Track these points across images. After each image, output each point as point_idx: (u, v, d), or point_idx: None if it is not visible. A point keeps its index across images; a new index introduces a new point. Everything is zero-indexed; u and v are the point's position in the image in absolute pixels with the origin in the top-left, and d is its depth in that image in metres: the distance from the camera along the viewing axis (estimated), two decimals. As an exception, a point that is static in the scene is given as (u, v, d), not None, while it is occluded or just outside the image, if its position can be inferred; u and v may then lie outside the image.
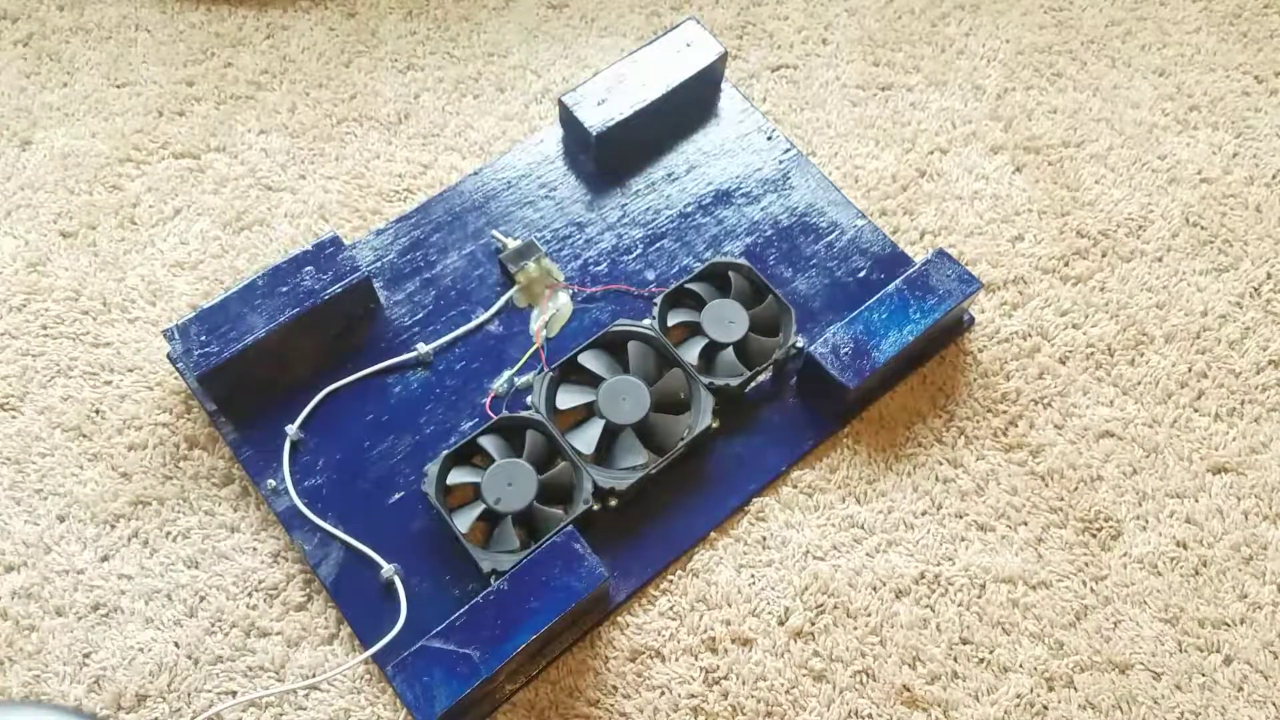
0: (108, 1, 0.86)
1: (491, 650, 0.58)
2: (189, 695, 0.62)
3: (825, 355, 0.67)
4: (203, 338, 0.65)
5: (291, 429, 0.67)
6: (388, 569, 0.64)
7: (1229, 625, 0.65)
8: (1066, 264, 0.77)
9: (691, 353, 0.69)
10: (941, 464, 0.70)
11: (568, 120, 0.76)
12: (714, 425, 0.67)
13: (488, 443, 0.65)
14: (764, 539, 0.67)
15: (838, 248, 0.76)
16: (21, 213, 0.77)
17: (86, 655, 0.63)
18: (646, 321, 0.69)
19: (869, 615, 0.65)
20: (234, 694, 0.62)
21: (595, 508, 0.64)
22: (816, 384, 0.69)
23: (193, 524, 0.66)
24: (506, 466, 0.64)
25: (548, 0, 0.88)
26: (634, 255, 0.75)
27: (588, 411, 0.67)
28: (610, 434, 0.66)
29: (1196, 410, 0.72)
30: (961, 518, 0.68)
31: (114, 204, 0.77)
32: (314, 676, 0.62)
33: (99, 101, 0.81)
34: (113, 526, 0.66)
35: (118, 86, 0.82)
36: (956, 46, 0.87)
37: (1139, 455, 0.71)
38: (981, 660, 0.64)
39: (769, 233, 0.76)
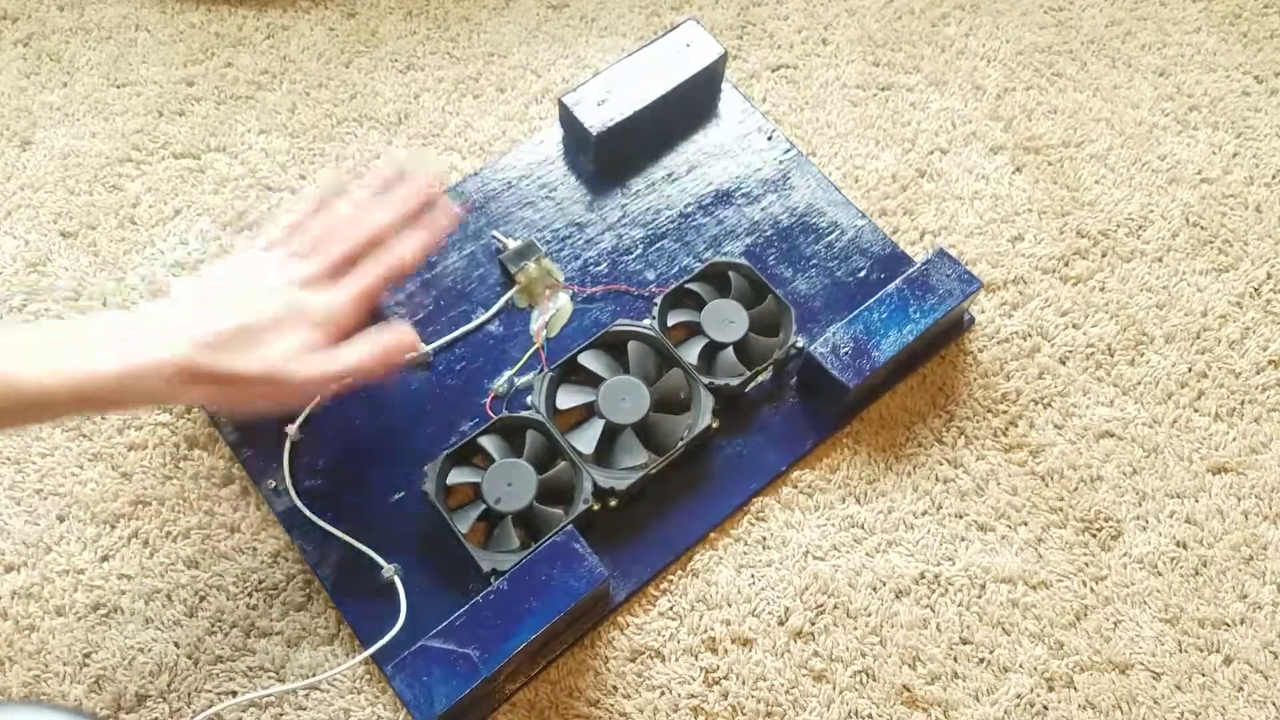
0: (108, 1, 0.86)
1: (491, 650, 0.58)
2: (189, 695, 0.62)
3: (825, 355, 0.67)
4: (203, 338, 0.65)
5: (292, 429, 0.67)
6: (388, 569, 0.64)
7: (1229, 625, 0.65)
8: (1066, 264, 0.77)
9: (691, 353, 0.69)
10: (941, 464, 0.70)
11: (568, 120, 0.76)
12: (714, 425, 0.67)
13: (488, 443, 0.65)
14: (764, 539, 0.67)
15: (838, 248, 0.76)
16: (21, 213, 0.77)
17: (86, 655, 0.63)
18: (646, 321, 0.69)
19: (869, 615, 0.65)
20: (234, 694, 0.62)
21: (595, 508, 0.64)
22: (816, 384, 0.69)
23: (193, 524, 0.66)
24: (506, 466, 0.64)
25: (548, 0, 0.88)
26: (634, 255, 0.75)
27: (588, 411, 0.68)
28: (610, 434, 0.66)
29: (1196, 410, 0.72)
30: (961, 518, 0.68)
31: (114, 204, 0.77)
32: (314, 676, 0.62)
33: (99, 101, 0.81)
34: (113, 526, 0.66)
35: (118, 86, 0.82)
36: (956, 46, 0.87)
37: (1139, 455, 0.71)
38: (981, 660, 0.64)
39: (769, 233, 0.76)
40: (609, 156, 0.77)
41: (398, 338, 0.59)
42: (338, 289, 0.58)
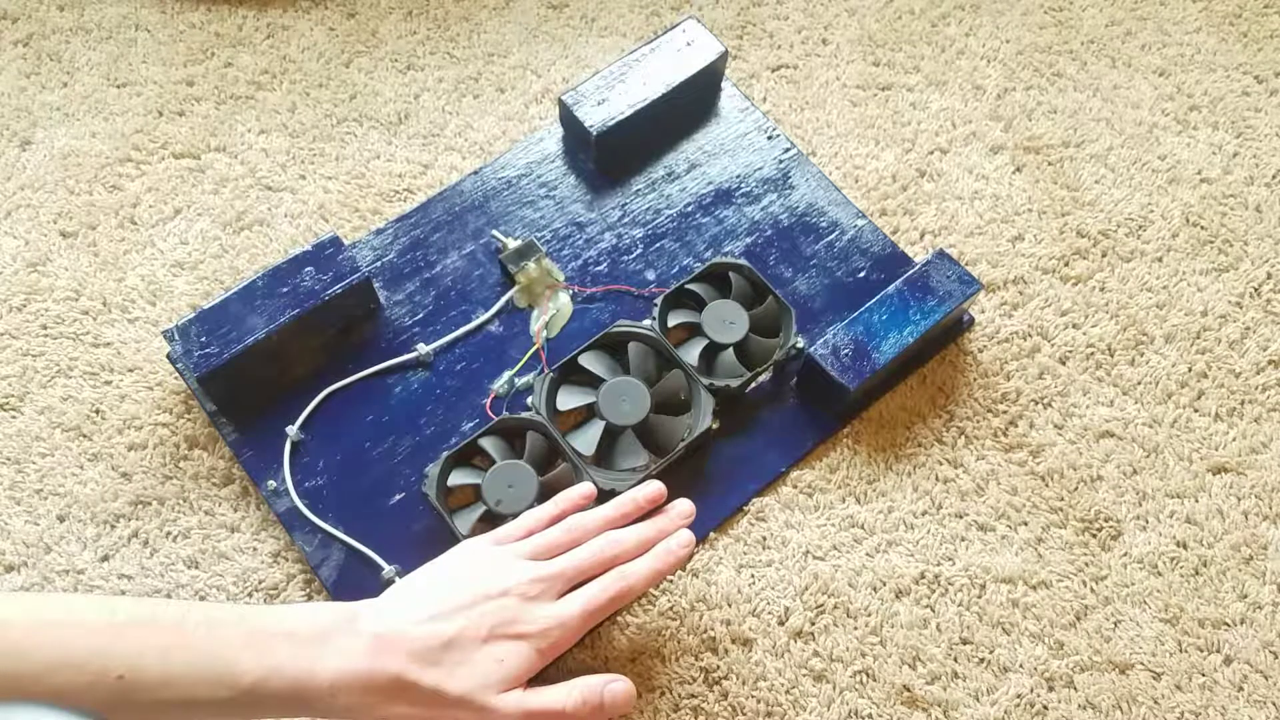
0: (108, 1, 0.86)
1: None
2: (189, 696, 0.62)
3: (825, 356, 0.67)
4: (203, 338, 0.65)
5: (292, 430, 0.67)
6: (389, 570, 0.64)
7: (1229, 625, 0.65)
8: (1066, 264, 0.77)
9: (692, 353, 0.69)
10: (941, 464, 0.70)
11: (568, 120, 0.76)
12: (714, 426, 0.67)
13: (488, 444, 0.65)
14: (764, 539, 0.67)
15: (838, 248, 0.76)
16: (21, 213, 0.77)
17: (87, 656, 0.63)
18: (646, 322, 0.69)
19: (869, 615, 0.65)
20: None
21: (595, 508, 0.64)
22: (817, 385, 0.69)
23: (193, 524, 0.66)
24: (507, 468, 0.64)
25: (548, 0, 0.88)
26: (634, 255, 0.75)
27: (588, 413, 0.68)
28: (610, 435, 0.66)
29: (1196, 410, 0.72)
30: (961, 518, 0.68)
31: (114, 204, 0.77)
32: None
33: (99, 101, 0.81)
34: (113, 526, 0.66)
35: (118, 86, 0.82)
36: (956, 46, 0.87)
37: (1139, 455, 0.71)
38: (981, 660, 0.64)
39: (769, 233, 0.76)
40: (609, 156, 0.77)
41: (617, 698, 0.55)
42: (567, 602, 0.55)
